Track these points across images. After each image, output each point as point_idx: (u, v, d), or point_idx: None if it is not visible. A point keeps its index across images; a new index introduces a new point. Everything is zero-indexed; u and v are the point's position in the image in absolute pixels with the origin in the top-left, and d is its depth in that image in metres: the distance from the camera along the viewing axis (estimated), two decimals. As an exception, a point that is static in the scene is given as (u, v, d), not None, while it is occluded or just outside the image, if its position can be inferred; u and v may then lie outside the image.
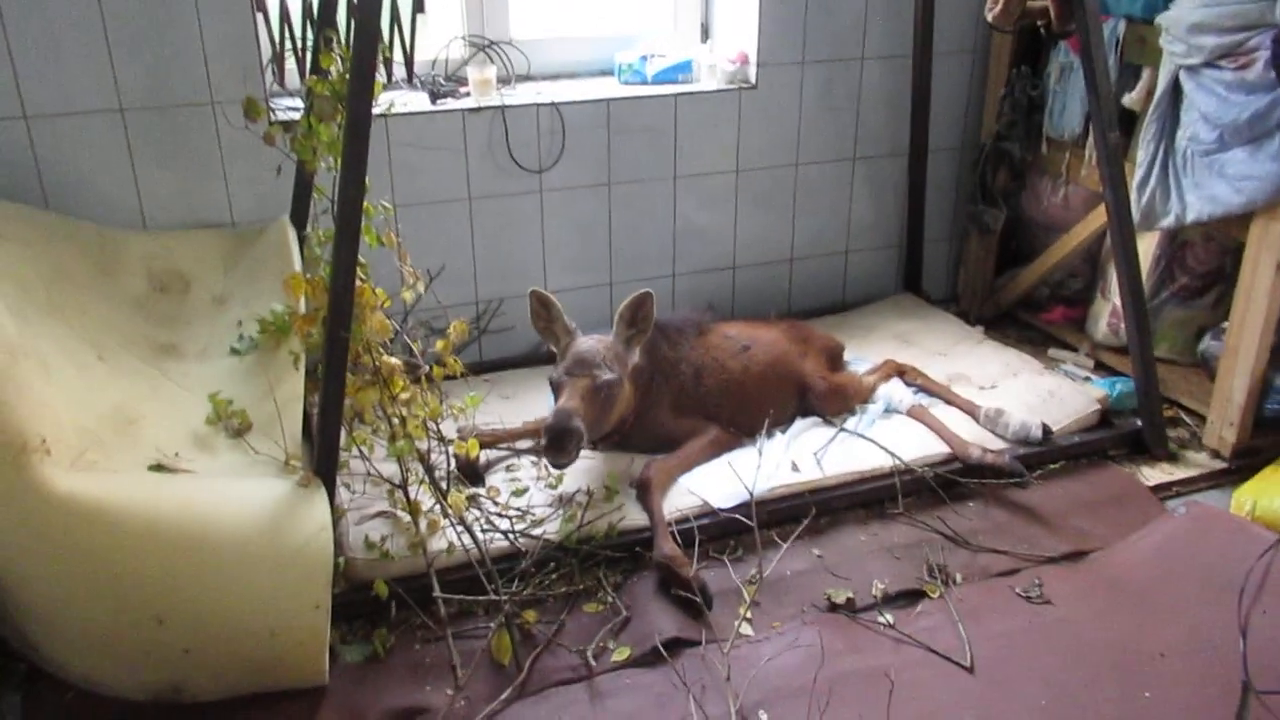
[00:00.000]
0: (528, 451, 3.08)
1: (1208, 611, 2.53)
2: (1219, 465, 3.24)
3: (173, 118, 3.08)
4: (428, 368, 2.78)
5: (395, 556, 2.58)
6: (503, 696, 2.31)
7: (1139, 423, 3.29)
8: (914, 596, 2.65)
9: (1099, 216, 3.55)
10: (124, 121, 3.04)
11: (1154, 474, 3.19)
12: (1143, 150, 3.29)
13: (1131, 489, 3.09)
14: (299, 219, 3.06)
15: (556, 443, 2.65)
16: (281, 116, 3.10)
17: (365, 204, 2.31)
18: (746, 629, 2.51)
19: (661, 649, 2.42)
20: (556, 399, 2.79)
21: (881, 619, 2.56)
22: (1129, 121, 3.40)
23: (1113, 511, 2.97)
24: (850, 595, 2.62)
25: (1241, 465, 3.19)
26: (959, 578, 2.71)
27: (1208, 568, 2.68)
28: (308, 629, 2.22)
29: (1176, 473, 3.20)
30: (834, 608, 2.60)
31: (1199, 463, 3.26)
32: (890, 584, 2.67)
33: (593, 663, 2.41)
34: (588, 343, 2.88)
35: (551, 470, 2.86)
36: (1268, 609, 2.30)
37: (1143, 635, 2.48)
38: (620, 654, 2.44)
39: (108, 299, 2.72)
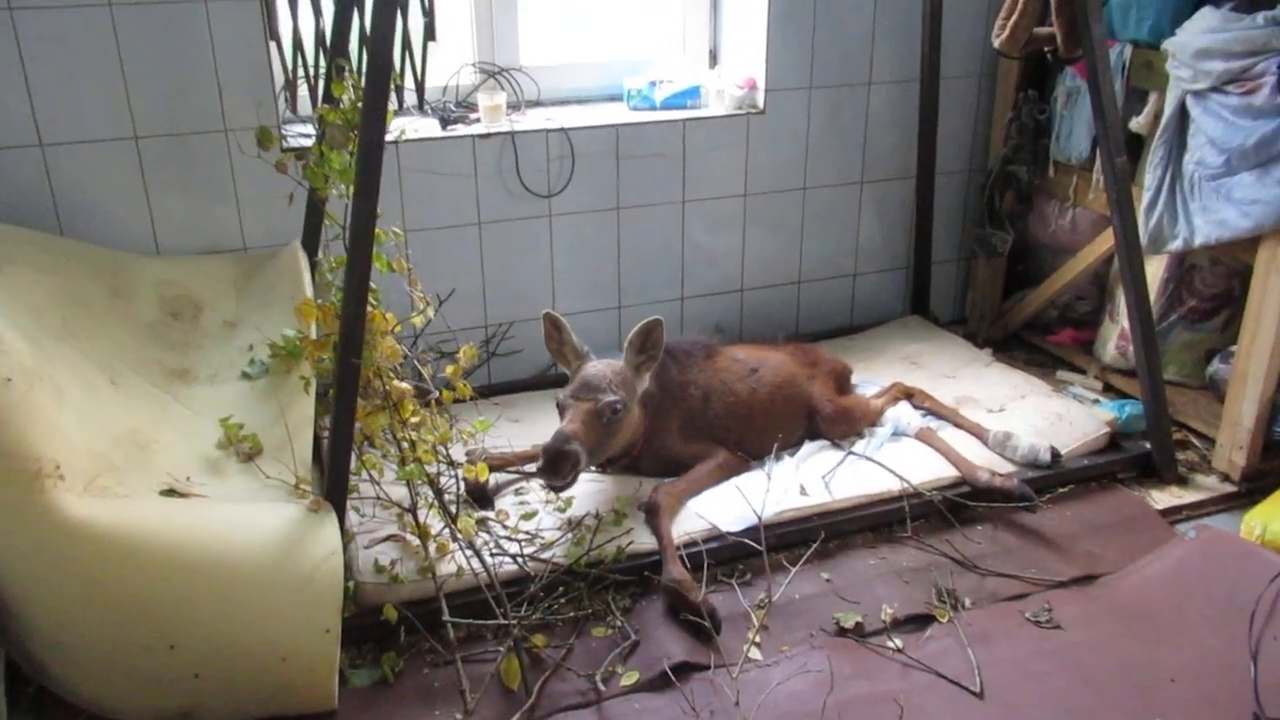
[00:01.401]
0: (536, 475, 3.06)
1: (1218, 637, 2.52)
2: (1228, 489, 3.23)
3: (186, 145, 3.11)
4: (437, 392, 2.79)
5: (404, 580, 2.59)
6: (511, 721, 2.30)
7: (1148, 446, 3.28)
8: (923, 621, 2.64)
9: (1106, 240, 3.55)
10: (138, 149, 3.07)
11: (1163, 497, 3.19)
12: (1150, 174, 3.30)
13: (1141, 512, 3.08)
14: (310, 245, 3.09)
15: (552, 465, 2.67)
16: (294, 143, 3.14)
17: (376, 230, 2.33)
18: (755, 653, 2.51)
19: (670, 673, 2.41)
20: (561, 421, 2.81)
21: (890, 644, 2.56)
22: (1136, 146, 3.41)
23: (1122, 535, 2.96)
24: (859, 619, 2.62)
25: (1251, 488, 3.19)
26: (968, 602, 2.70)
27: (1218, 592, 2.67)
28: (317, 654, 2.23)
29: (1186, 496, 3.19)
30: (843, 632, 2.60)
31: (1208, 486, 3.25)
32: (899, 608, 2.66)
33: (601, 687, 2.41)
34: (597, 367, 2.89)
35: (560, 494, 2.86)
36: (1279, 634, 2.29)
37: (1153, 660, 2.47)
38: (629, 679, 2.43)
39: (120, 323, 2.74)
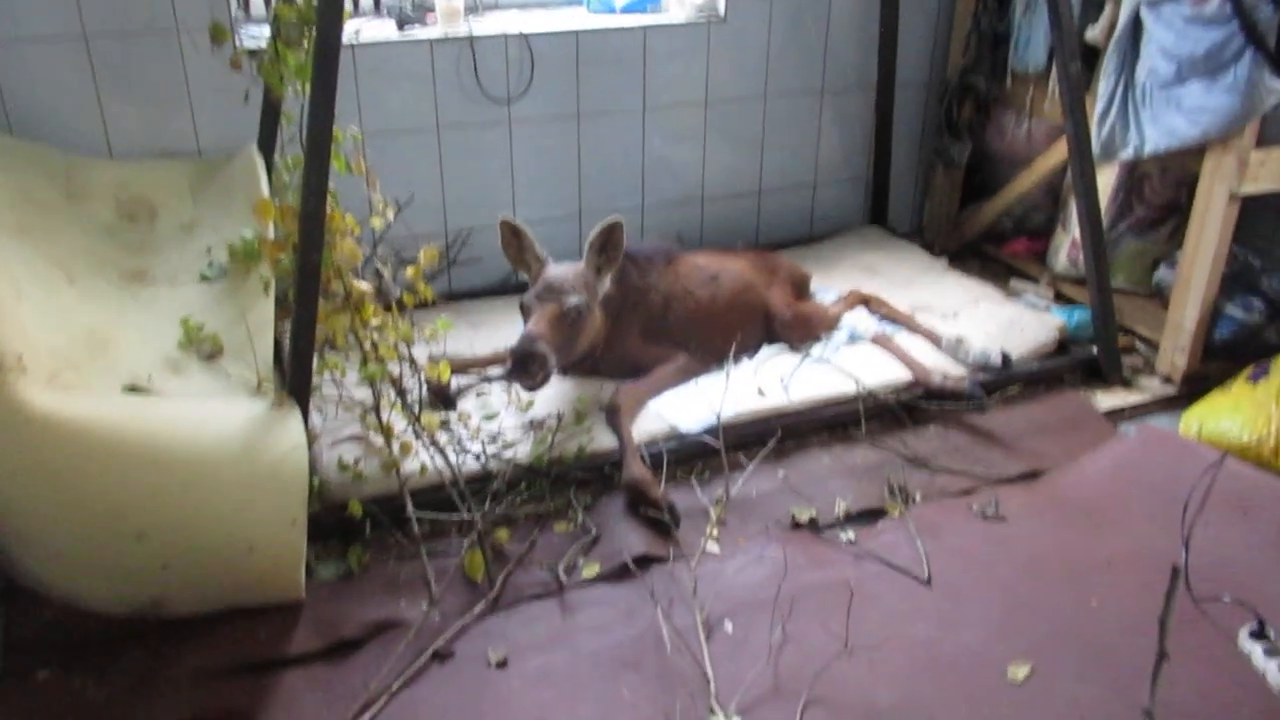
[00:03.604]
0: (498, 378, 3.12)
1: (1154, 525, 2.62)
2: (1169, 390, 3.34)
3: (138, 45, 3.06)
4: (398, 292, 2.79)
5: (368, 478, 2.63)
6: (476, 610, 2.37)
7: (1095, 350, 3.37)
8: (875, 515, 2.73)
9: (1061, 150, 3.60)
10: (87, 48, 3.02)
11: (1108, 399, 3.28)
12: (1104, 83, 3.34)
13: (1085, 413, 3.18)
14: (266, 147, 3.04)
15: (522, 366, 2.70)
16: (249, 45, 3.09)
17: (335, 130, 2.31)
18: (713, 546, 2.58)
19: (631, 565, 2.49)
20: (525, 324, 2.82)
21: (843, 536, 2.64)
22: (1092, 57, 3.44)
23: (1067, 434, 3.06)
24: (813, 514, 2.70)
25: (1191, 390, 3.29)
26: (919, 497, 2.79)
27: (1155, 485, 2.78)
28: (284, 544, 2.27)
29: (1129, 398, 3.29)
30: (798, 526, 2.68)
31: (1151, 388, 3.35)
32: (852, 503, 2.74)
33: (563, 578, 2.47)
34: (558, 270, 2.90)
35: (522, 395, 2.90)
36: (1210, 521, 2.39)
37: (1091, 548, 2.57)
38: (590, 570, 2.50)
39: (76, 224, 2.71)
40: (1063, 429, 3.08)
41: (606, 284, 2.99)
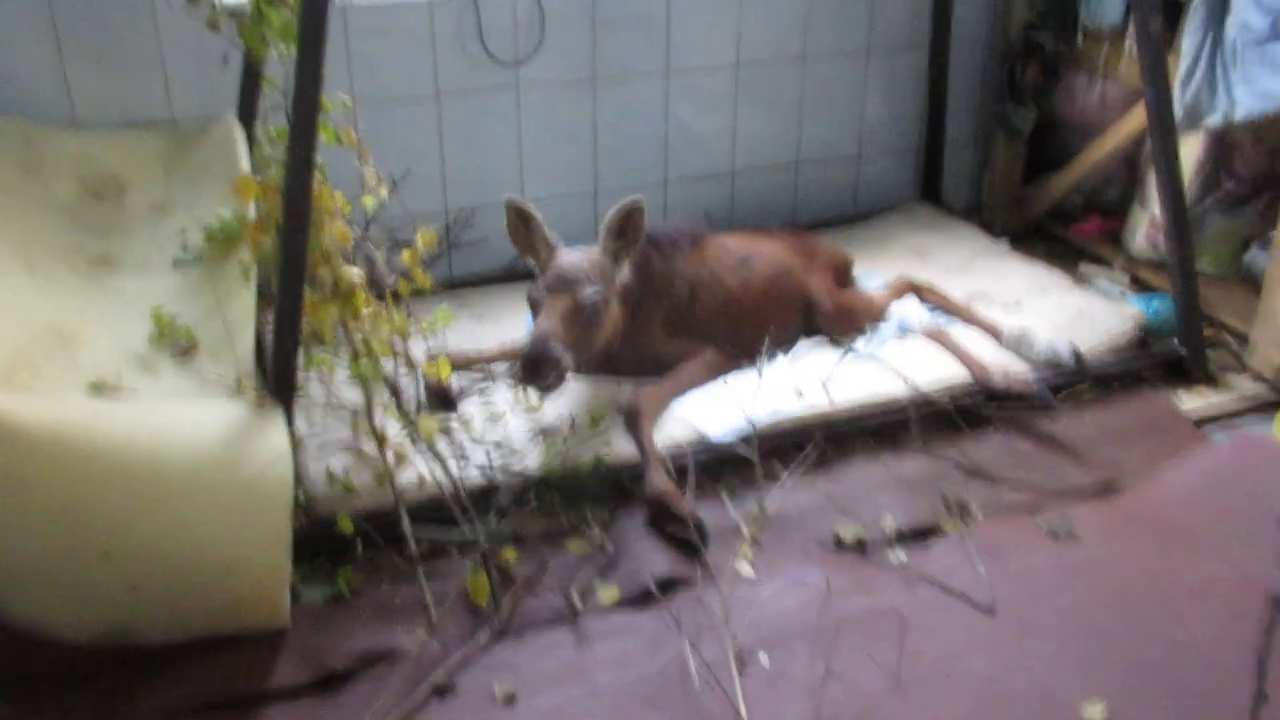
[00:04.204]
0: (517, 380, 3.01)
1: (1248, 547, 2.56)
2: (1263, 391, 3.26)
3: (104, 3, 3.03)
4: (393, 279, 2.74)
5: (360, 490, 2.59)
6: (479, 639, 2.34)
7: (1178, 344, 3.31)
8: (929, 534, 2.68)
9: (1139, 116, 3.54)
10: (49, 4, 3.00)
11: (1193, 401, 3.22)
12: (1188, 40, 3.28)
13: (1168, 417, 3.11)
14: (246, 116, 3.03)
15: (533, 369, 2.65)
16: (228, 2, 3.02)
17: (322, 98, 2.28)
18: (746, 569, 2.54)
19: (654, 590, 2.44)
20: (534, 319, 2.78)
21: (893, 558, 2.60)
22: (1174, 12, 3.37)
23: (1148, 441, 2.99)
24: (859, 532, 2.66)
25: (1289, 391, 3.22)
26: (979, 513, 2.73)
27: (1249, 500, 2.72)
28: (266, 564, 2.24)
29: (1218, 399, 3.23)
30: (841, 546, 2.64)
31: (1241, 388, 3.29)
32: (903, 520, 2.69)
33: (578, 604, 2.44)
34: (571, 257, 2.85)
35: (530, 396, 2.87)
36: (1314, 543, 2.36)
37: (1177, 573, 2.51)
38: (608, 595, 2.47)
39: (35, 205, 2.70)
40: (1142, 436, 3.02)
41: (625, 271, 2.95)
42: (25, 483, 2.07)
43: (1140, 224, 3.79)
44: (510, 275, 3.64)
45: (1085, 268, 3.91)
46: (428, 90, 3.44)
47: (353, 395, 2.73)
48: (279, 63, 2.47)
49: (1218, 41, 3.22)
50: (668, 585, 2.48)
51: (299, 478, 2.52)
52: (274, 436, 2.26)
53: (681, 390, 3.00)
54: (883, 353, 3.20)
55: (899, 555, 2.61)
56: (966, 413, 3.05)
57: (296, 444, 2.51)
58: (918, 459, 2.95)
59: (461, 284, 3.59)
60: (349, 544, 2.53)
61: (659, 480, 2.67)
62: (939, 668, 2.27)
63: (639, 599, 2.46)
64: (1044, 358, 3.19)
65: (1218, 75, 3.23)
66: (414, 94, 3.43)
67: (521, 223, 2.90)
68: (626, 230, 2.89)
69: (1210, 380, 3.30)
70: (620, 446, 2.83)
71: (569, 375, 2.77)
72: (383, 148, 3.14)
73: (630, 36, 3.61)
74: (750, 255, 3.25)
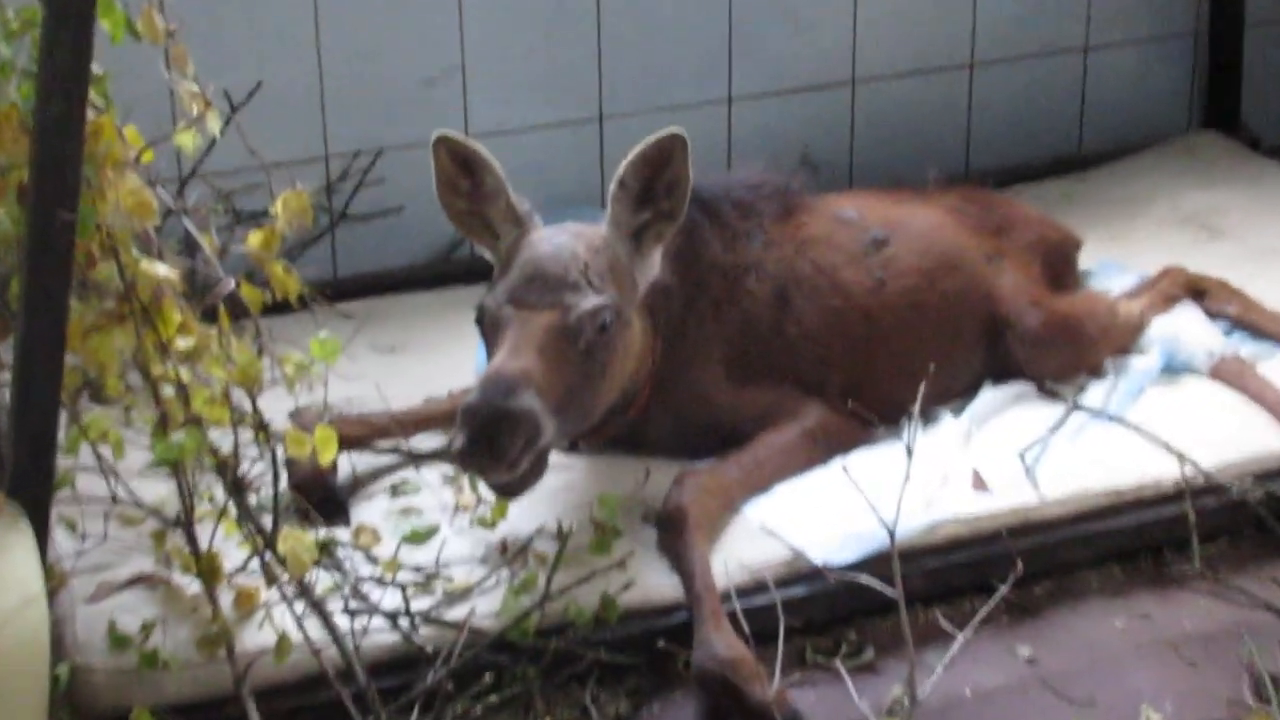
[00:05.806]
0: (433, 457, 2.50)
1: None
2: None
3: None
4: (233, 284, 2.17)
5: (172, 663, 2.10)
6: None
7: None
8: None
9: None
10: None
11: None
12: None
13: None
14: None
15: (488, 443, 2.08)
16: None
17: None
18: (883, 801, 2.05)
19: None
20: (490, 352, 2.22)
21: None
22: None
23: None
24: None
25: None
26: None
27: None
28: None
29: None
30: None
31: None
32: (1175, 712, 2.17)
33: None
34: (556, 240, 2.28)
35: (486, 495, 2.29)
36: None
37: None
38: None
39: None
40: None
41: (656, 263, 2.32)
42: None
43: None
44: (442, 275, 3.05)
45: None
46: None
47: (158, 490, 2.26)
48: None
49: None
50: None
51: (59, 639, 2.07)
52: (18, 568, 1.89)
53: (762, 480, 2.39)
54: (1136, 408, 2.60)
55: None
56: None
57: (57, 581, 2.15)
58: (1200, 600, 2.38)
59: (357, 289, 2.96)
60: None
61: (722, 643, 2.06)
62: None
63: None
64: None
65: None
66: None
67: (465, 177, 2.30)
68: (658, 188, 2.25)
69: None
70: (649, 581, 2.22)
71: (552, 453, 2.22)
72: (215, 42, 2.59)
73: None
74: (888, 233, 2.60)
